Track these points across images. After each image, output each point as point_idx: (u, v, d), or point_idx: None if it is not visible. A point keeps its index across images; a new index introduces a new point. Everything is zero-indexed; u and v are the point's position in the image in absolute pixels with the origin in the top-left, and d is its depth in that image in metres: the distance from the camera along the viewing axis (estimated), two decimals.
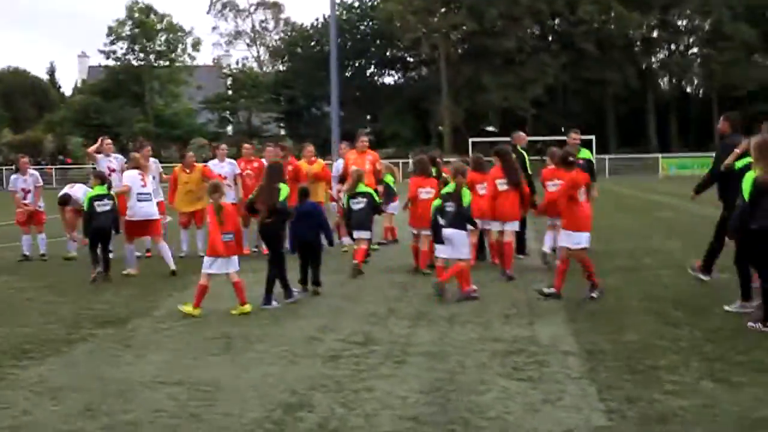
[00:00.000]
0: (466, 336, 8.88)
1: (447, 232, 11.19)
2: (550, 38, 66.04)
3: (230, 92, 74.63)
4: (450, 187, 11.52)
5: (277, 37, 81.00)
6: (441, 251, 11.43)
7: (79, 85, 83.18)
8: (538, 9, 62.90)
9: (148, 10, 68.97)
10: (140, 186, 13.92)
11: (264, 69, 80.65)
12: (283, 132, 73.47)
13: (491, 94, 62.84)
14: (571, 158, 11.35)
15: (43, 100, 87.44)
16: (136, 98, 69.50)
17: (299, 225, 11.83)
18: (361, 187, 13.47)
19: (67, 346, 8.77)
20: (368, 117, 73.07)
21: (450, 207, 11.27)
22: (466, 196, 11.37)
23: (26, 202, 16.23)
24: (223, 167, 16.31)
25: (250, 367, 7.83)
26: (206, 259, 10.50)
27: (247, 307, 10.36)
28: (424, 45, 64.93)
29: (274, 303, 10.78)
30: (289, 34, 79.49)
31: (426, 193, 13.12)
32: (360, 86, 73.05)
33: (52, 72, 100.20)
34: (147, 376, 7.58)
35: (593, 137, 49.65)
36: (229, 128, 75.32)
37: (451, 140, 64.40)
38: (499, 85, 62.53)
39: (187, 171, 16.19)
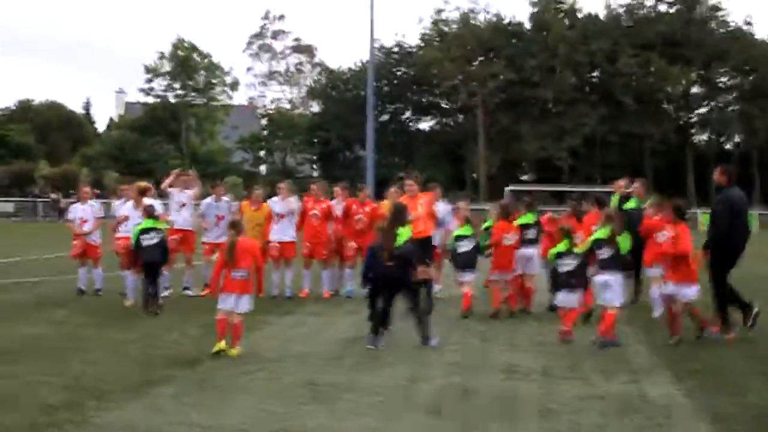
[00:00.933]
0: (570, 392, 8.30)
1: (603, 278, 10.87)
2: (588, 89, 65.60)
3: (265, 132, 74.75)
4: (602, 233, 11.12)
5: (311, 80, 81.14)
6: (565, 300, 11.28)
7: (115, 120, 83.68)
8: (576, 60, 62.74)
9: (192, 48, 69.38)
10: None
11: (297, 110, 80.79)
12: (315, 173, 73.41)
13: (528, 143, 62.53)
14: (683, 210, 11.15)
15: (77, 134, 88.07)
16: (171, 135, 69.76)
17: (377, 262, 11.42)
18: (466, 230, 13.33)
19: (147, 388, 8.26)
20: (403, 162, 72.68)
21: (605, 253, 10.93)
22: (624, 241, 10.98)
23: (83, 230, 15.73)
24: (284, 205, 15.82)
25: (345, 418, 7.32)
26: (221, 294, 10.16)
27: (235, 351, 9.92)
28: (462, 92, 64.78)
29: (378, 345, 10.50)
30: (324, 76, 79.59)
31: (509, 239, 12.82)
32: (395, 131, 72.99)
33: (87, 107, 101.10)
34: (239, 424, 7.08)
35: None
36: (262, 167, 75.46)
37: (487, 187, 64.00)
38: (536, 134, 62.24)
39: (254, 208, 15.74)
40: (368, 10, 47.19)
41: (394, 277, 10.87)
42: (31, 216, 57.64)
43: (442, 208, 15.99)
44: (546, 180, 60.65)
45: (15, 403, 7.61)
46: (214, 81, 70.45)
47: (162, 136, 68.82)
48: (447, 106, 73.29)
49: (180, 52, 69.66)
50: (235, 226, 10.56)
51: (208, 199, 16.19)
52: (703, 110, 67.96)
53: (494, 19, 68.58)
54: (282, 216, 15.56)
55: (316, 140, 72.97)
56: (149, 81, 70.06)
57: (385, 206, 15.38)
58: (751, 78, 63.11)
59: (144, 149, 66.81)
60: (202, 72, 69.82)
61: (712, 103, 67.22)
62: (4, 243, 31.47)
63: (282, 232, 15.51)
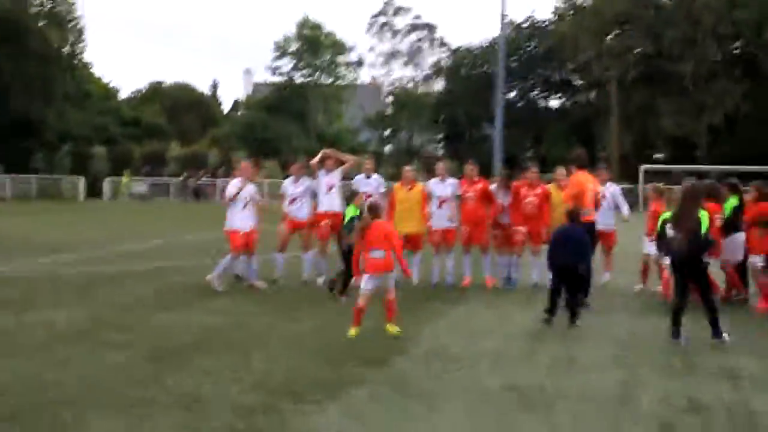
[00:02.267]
0: None
1: None
2: (731, 63, 62.28)
3: (390, 111, 74.25)
4: None
5: (433, 58, 79.81)
6: None
7: (242, 100, 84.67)
8: (720, 32, 59.69)
9: (318, 27, 69.38)
10: None
11: (419, 89, 79.75)
12: (441, 152, 72.53)
13: (665, 119, 59.91)
14: None
15: (206, 115, 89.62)
16: (298, 115, 69.94)
17: (560, 249, 10.82)
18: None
19: (341, 389, 7.60)
20: (532, 140, 71.09)
21: None
22: None
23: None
24: (445, 188, 15.00)
25: (570, 429, 6.51)
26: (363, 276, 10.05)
27: (393, 329, 9.97)
28: (596, 67, 62.52)
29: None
30: (448, 55, 78.25)
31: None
32: (523, 108, 71.28)
33: (215, 88, 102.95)
34: None
35: None
36: (387, 147, 75.07)
37: (619, 166, 61.76)
38: (674, 111, 59.57)
39: (408, 188, 14.99)
40: None
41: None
42: (164, 196, 58.76)
43: (612, 189, 15.01)
44: (680, 159, 58.03)
45: (208, 404, 7.08)
46: (339, 59, 70.16)
47: (289, 116, 69.08)
48: (578, 83, 71.02)
49: (305, 32, 69.64)
50: (374, 210, 10.23)
51: (359, 177, 15.41)
52: None
53: None
54: (443, 200, 14.78)
55: (441, 119, 71.93)
56: (277, 59, 70.23)
57: (553, 189, 14.47)
58: None
59: (271, 129, 67.22)
60: (328, 51, 69.53)
61: None
62: (147, 224, 31.87)
63: (441, 218, 14.74)
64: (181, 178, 59.55)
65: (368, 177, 15.11)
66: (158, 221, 33.90)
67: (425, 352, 9.15)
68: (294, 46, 69.81)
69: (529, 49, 71.32)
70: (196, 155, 65.55)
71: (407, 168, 15.38)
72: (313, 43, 68.69)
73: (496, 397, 7.41)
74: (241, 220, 14.09)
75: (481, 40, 74.98)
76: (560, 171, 14.65)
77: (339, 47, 69.98)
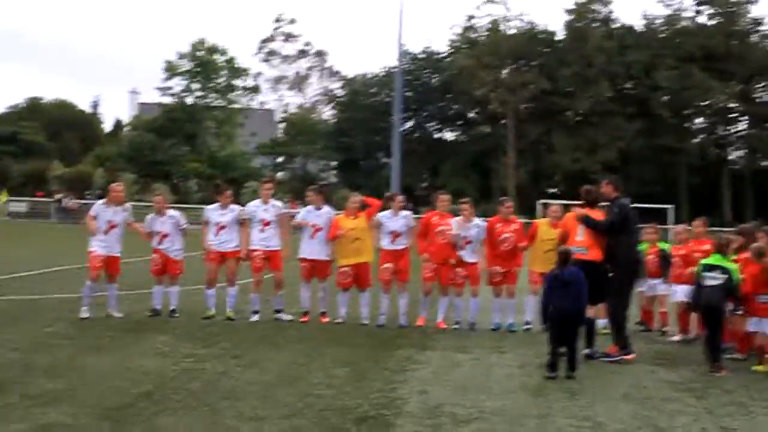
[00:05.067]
0: None
1: None
2: (624, 101, 63.46)
3: (284, 137, 72.64)
4: None
5: (323, 85, 78.55)
6: None
7: (129, 120, 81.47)
8: (613, 72, 60.84)
9: (216, 49, 67.31)
10: None
11: (313, 116, 78.29)
12: (334, 180, 71.29)
13: (561, 155, 60.53)
14: None
15: (88, 133, 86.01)
16: (188, 138, 67.55)
17: (557, 294, 9.74)
18: (722, 260, 10.64)
19: None
20: (428, 171, 70.72)
21: None
22: None
23: (161, 247, 13.49)
24: (397, 221, 13.59)
25: None
26: None
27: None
28: (493, 101, 62.71)
29: None
30: (340, 82, 77.30)
31: None
32: (420, 139, 70.97)
33: (95, 106, 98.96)
34: None
35: (671, 206, 47.48)
36: (279, 174, 73.33)
37: (517, 200, 61.94)
38: (569, 146, 60.28)
39: (352, 218, 13.59)
40: (385, 18, 45.03)
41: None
42: (43, 218, 55.43)
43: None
44: (576, 195, 58.57)
45: None
46: (234, 83, 68.25)
47: (179, 138, 66.65)
48: (475, 116, 71.12)
49: (198, 53, 67.40)
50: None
51: (309, 208, 13.93)
52: (741, 126, 65.81)
53: (528, 26, 66.61)
54: (398, 235, 13.44)
55: (337, 146, 70.83)
56: (168, 79, 67.66)
57: (541, 224, 13.35)
58: None
59: (161, 151, 64.67)
60: (223, 73, 67.52)
61: (751, 119, 64.98)
62: (40, 248, 29.43)
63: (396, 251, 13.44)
64: (56, 198, 55.99)
65: (318, 209, 13.70)
66: (48, 244, 31.39)
67: (423, 411, 7.82)
68: (186, 66, 67.43)
69: (425, 80, 71.20)
70: (81, 175, 62.34)
71: (353, 197, 14.00)
72: (206, 65, 66.50)
73: None
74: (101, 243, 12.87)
75: (378, 69, 74.59)
76: (554, 207, 13.53)
77: (236, 71, 68.00)
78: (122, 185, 14.39)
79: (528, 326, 13.07)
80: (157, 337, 11.23)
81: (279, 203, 13.93)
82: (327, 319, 13.22)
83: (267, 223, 13.42)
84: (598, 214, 11.20)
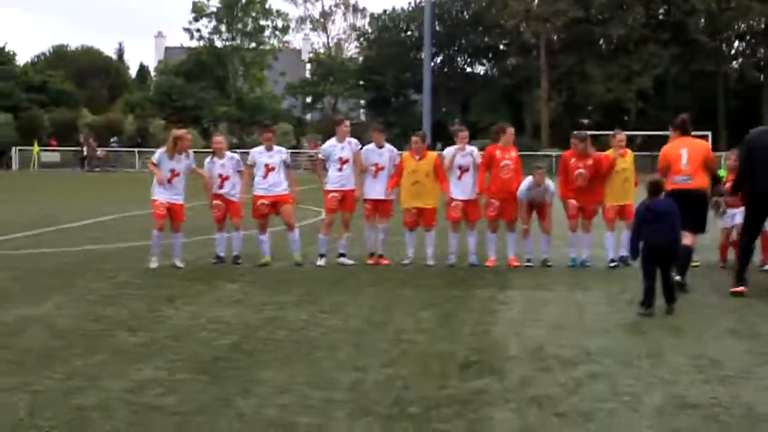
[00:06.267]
0: None
1: None
2: (659, 27, 61.98)
3: (313, 77, 71.82)
4: None
5: (345, 23, 77.23)
6: None
7: (155, 65, 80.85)
8: None
9: None
10: None
11: (343, 55, 77.16)
12: (363, 119, 70.57)
13: (595, 85, 59.40)
14: None
15: (115, 80, 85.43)
16: (217, 81, 66.99)
17: (648, 227, 9.29)
18: None
19: (476, 404, 5.89)
20: (460, 106, 69.76)
21: None
22: None
23: (223, 191, 13.11)
24: (464, 157, 13.09)
25: None
26: None
27: None
28: (525, 32, 61.49)
29: None
30: (368, 19, 76.07)
31: None
32: (451, 75, 69.96)
33: (121, 52, 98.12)
34: None
35: (708, 133, 46.45)
36: (308, 115, 72.70)
37: (549, 133, 61.15)
38: (604, 75, 59.10)
39: (417, 158, 13.12)
40: None
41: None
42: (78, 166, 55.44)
43: None
44: (610, 124, 57.63)
45: None
46: (264, 24, 67.24)
47: (208, 82, 66.07)
48: (506, 48, 69.88)
49: None
50: None
51: (369, 146, 13.47)
52: None
53: None
54: (464, 170, 12.98)
55: (366, 84, 69.97)
56: (195, 20, 66.83)
57: (612, 155, 12.81)
58: None
59: (190, 96, 64.20)
60: (252, 14, 66.47)
61: None
62: (76, 199, 29.30)
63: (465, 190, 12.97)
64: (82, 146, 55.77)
65: (380, 147, 13.26)
66: (95, 194, 31.26)
67: (527, 354, 7.45)
68: (213, 8, 66.56)
69: (455, 13, 69.89)
70: (111, 123, 62.12)
71: (416, 136, 13.48)
72: (234, 5, 65.45)
73: (684, 418, 5.76)
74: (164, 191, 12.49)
75: (406, 3, 73.29)
76: (620, 136, 12.99)
77: (265, 11, 66.93)
78: (222, 136, 13.97)
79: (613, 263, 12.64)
80: (227, 286, 10.95)
81: (355, 140, 13.46)
82: (387, 262, 12.89)
83: (345, 161, 12.99)
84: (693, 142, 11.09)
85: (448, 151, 13.10)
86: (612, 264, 12.58)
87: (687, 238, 10.16)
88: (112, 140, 59.40)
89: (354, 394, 6.26)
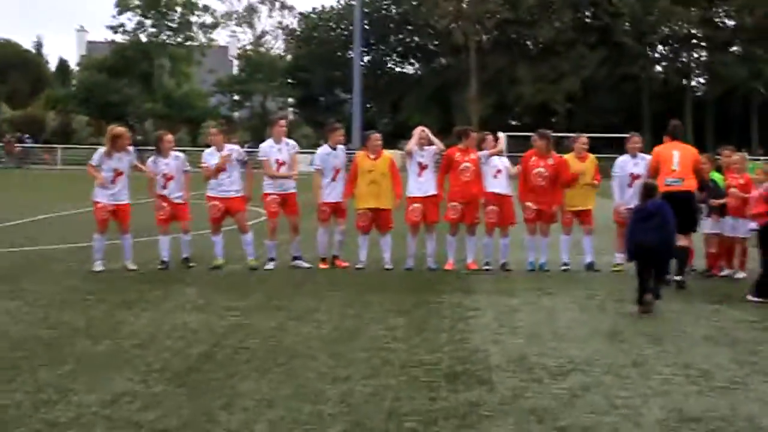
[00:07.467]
0: None
1: None
2: (586, 30, 62.87)
3: (243, 75, 70.84)
4: None
5: (271, 20, 76.24)
6: None
7: (75, 61, 78.94)
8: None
9: None
10: None
11: (264, 51, 76.03)
12: (292, 117, 69.86)
13: (524, 86, 59.96)
14: None
15: (35, 75, 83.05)
16: (143, 77, 65.69)
17: (640, 228, 9.49)
18: None
19: (473, 417, 5.69)
20: (390, 106, 69.69)
21: None
22: None
23: (165, 193, 12.54)
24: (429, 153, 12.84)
25: None
26: None
27: None
28: (456, 32, 61.71)
29: None
30: (297, 17, 75.33)
31: None
32: (380, 74, 69.86)
33: (39, 46, 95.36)
34: None
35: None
36: (235, 114, 71.71)
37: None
38: (533, 77, 59.72)
39: (373, 157, 12.82)
40: None
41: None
42: None
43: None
44: (539, 126, 58.29)
45: None
46: (191, 19, 66.16)
47: (132, 78, 64.77)
48: (436, 49, 70.03)
49: None
50: None
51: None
52: (705, 52, 65.69)
53: None
54: (425, 167, 12.74)
55: (295, 82, 69.43)
56: (119, 14, 65.33)
57: (571, 161, 12.68)
58: (753, 18, 60.64)
59: (115, 92, 62.84)
60: (177, 8, 65.34)
61: (714, 44, 64.75)
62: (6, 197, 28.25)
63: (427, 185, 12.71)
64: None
65: (334, 149, 12.89)
66: (22, 191, 30.16)
67: (511, 364, 7.26)
68: (137, 1, 65.14)
69: (385, 12, 69.87)
70: (32, 118, 60.33)
71: (374, 134, 13.19)
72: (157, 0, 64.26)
73: None
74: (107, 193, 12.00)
75: (335, 1, 72.88)
76: (584, 139, 12.92)
77: (192, 5, 65.84)
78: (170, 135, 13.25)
79: (565, 267, 12.55)
80: (185, 290, 10.54)
81: (292, 142, 13.13)
82: (345, 264, 12.60)
83: (282, 164, 12.66)
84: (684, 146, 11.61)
85: (483, 153, 12.71)
86: (564, 267, 12.50)
87: (682, 240, 10.48)
88: (25, 136, 57.34)
89: (344, 407, 5.99)
